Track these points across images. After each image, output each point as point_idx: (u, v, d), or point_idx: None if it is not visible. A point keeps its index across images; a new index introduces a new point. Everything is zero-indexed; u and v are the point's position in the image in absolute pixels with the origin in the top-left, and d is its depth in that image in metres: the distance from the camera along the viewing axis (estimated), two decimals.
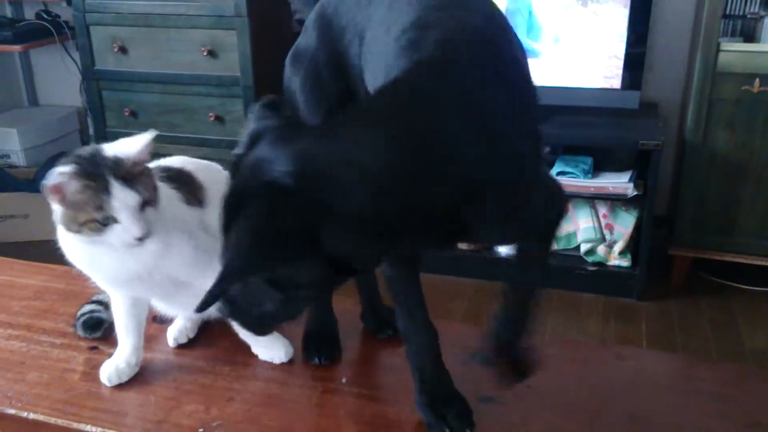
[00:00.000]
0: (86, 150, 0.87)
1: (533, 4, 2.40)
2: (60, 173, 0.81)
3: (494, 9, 0.84)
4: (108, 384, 0.95)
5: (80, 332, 1.06)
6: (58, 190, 0.82)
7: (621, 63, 2.35)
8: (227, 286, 0.67)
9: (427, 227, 0.72)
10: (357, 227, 0.66)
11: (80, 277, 0.97)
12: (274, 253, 0.65)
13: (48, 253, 0.99)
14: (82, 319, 1.05)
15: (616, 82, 2.38)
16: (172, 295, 0.98)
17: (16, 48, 2.83)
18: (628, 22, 2.30)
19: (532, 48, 2.42)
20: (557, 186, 0.89)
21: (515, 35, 0.86)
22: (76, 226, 0.84)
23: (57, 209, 0.85)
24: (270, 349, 1.02)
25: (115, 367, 0.96)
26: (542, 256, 0.91)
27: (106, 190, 0.83)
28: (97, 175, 0.83)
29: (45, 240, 0.95)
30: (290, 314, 0.77)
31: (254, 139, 0.70)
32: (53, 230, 0.89)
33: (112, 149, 0.87)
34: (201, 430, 0.87)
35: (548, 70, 2.43)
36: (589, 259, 2.45)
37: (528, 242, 0.89)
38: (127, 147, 0.87)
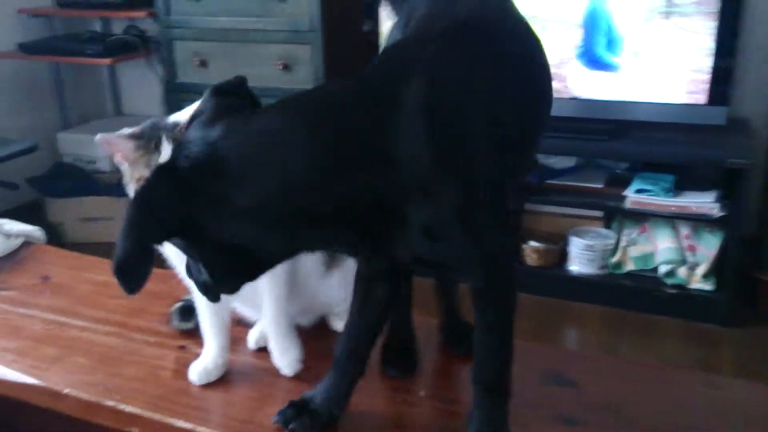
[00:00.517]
0: (151, 119, 0.94)
1: (613, 17, 2.36)
2: (117, 134, 0.89)
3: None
4: (197, 383, 0.97)
5: (174, 322, 1.09)
6: (113, 148, 0.90)
7: (706, 77, 2.26)
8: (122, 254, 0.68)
9: (339, 227, 0.71)
10: (249, 217, 0.67)
11: (168, 279, 1.00)
12: (141, 231, 0.68)
13: None
14: (178, 305, 1.09)
15: (701, 98, 2.29)
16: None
17: (106, 61, 2.98)
18: (716, 35, 2.22)
19: (611, 61, 2.37)
20: (507, 219, 0.81)
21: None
22: (133, 182, 0.90)
23: (124, 169, 0.92)
24: (281, 354, 0.99)
25: (203, 367, 0.98)
26: (498, 311, 0.80)
27: (157, 149, 0.88)
28: (152, 136, 0.89)
29: None
30: (224, 287, 0.76)
31: (190, 121, 0.73)
32: None
33: (174, 116, 0.92)
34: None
35: (628, 84, 2.38)
36: (669, 281, 2.36)
37: (465, 279, 0.80)
38: (187, 113, 0.91)
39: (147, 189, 0.69)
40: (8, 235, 1.43)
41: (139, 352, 1.05)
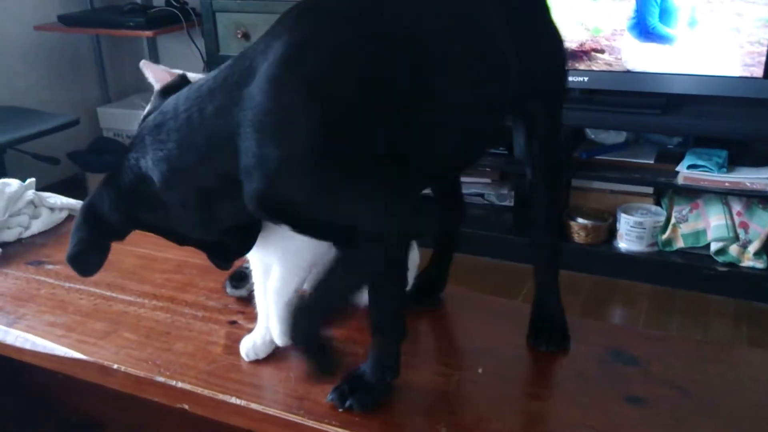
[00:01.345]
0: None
1: None
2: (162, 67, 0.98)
3: None
4: (246, 359, 0.95)
5: (228, 288, 1.09)
6: (156, 76, 0.98)
7: (763, 49, 2.16)
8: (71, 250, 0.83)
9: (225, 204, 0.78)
10: (173, 206, 0.78)
11: None
12: (84, 234, 0.83)
13: None
14: (232, 271, 1.09)
15: (758, 71, 2.19)
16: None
17: (147, 33, 2.96)
18: None
19: (665, 33, 2.28)
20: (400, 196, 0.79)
21: None
22: None
23: None
24: (278, 323, 0.95)
25: (253, 343, 0.96)
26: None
27: None
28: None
29: None
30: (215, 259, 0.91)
31: (143, 120, 0.83)
32: None
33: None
34: (341, 409, 0.85)
35: (682, 56, 2.28)
36: (720, 259, 2.29)
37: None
38: None
39: (93, 201, 0.82)
40: (52, 209, 1.43)
41: (189, 327, 1.03)
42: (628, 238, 2.39)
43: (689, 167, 2.26)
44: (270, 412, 0.85)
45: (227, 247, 0.88)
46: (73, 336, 1.02)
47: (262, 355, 0.95)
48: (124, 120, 3.06)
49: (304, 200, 0.74)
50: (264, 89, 0.71)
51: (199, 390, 0.89)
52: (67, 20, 2.96)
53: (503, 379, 0.92)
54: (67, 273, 1.21)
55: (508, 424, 0.84)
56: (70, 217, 1.45)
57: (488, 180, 2.70)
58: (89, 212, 0.82)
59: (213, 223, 0.81)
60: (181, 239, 0.85)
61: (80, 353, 0.97)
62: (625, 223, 2.39)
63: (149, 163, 0.78)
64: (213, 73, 0.78)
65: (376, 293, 0.85)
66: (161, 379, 0.91)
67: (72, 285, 1.17)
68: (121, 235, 0.84)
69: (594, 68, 2.35)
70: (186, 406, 0.90)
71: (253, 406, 0.86)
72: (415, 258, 1.05)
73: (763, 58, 2.17)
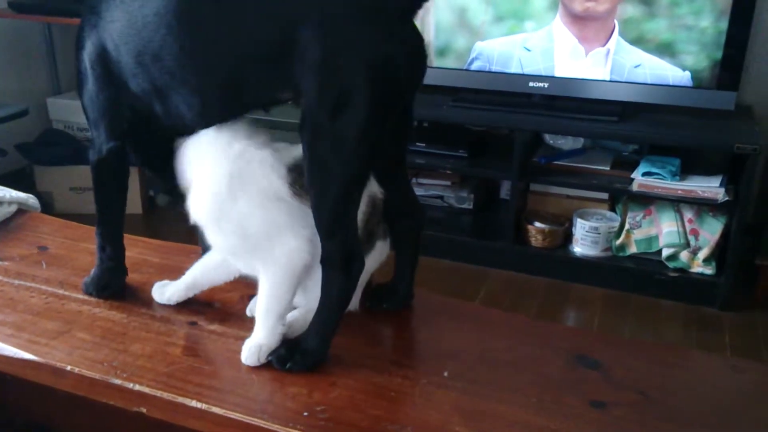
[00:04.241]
0: None
1: None
2: None
3: None
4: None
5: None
6: None
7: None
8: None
9: None
10: None
11: (177, 252, 0.95)
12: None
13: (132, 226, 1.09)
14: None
15: (710, 82, 2.26)
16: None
17: None
18: (729, 22, 2.19)
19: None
20: None
21: None
22: None
23: None
24: (251, 339, 0.94)
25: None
26: None
27: None
28: None
29: (132, 214, 0.96)
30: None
31: None
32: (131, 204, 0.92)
33: None
34: (306, 413, 0.83)
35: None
36: (671, 264, 2.35)
37: None
38: None
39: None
40: (1, 202, 1.37)
41: (146, 328, 1.00)
42: (583, 243, 2.43)
43: (644, 174, 2.31)
44: (232, 416, 0.83)
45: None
46: (23, 336, 0.97)
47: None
48: (75, 112, 2.96)
49: None
50: None
51: (157, 393, 0.86)
52: (18, 7, 2.85)
53: (469, 383, 0.92)
54: (17, 270, 1.16)
55: (474, 428, 0.84)
56: (19, 212, 1.39)
57: (448, 182, 2.71)
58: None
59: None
60: None
61: (31, 354, 0.93)
62: (580, 227, 2.43)
63: None
64: None
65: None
66: (117, 381, 0.88)
67: (22, 282, 1.12)
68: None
69: (555, 75, 2.39)
70: (144, 410, 0.87)
71: (215, 409, 0.84)
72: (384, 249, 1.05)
73: (716, 70, 2.23)
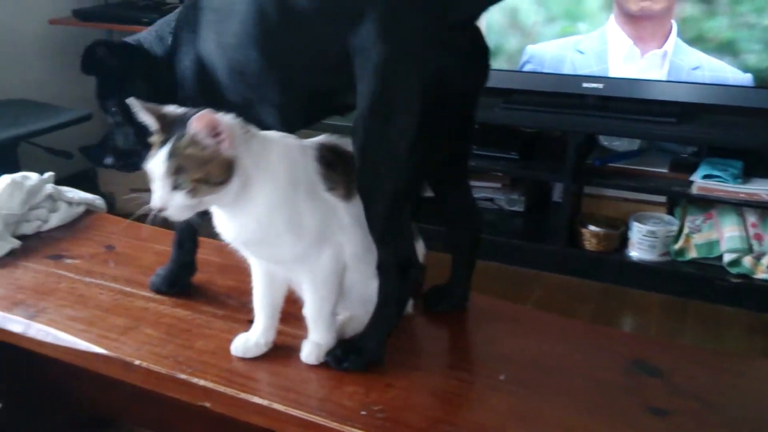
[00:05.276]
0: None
1: None
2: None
3: None
4: (233, 353, 0.95)
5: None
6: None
7: None
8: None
9: None
10: None
11: (234, 252, 0.97)
12: None
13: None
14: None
15: None
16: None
17: None
18: None
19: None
20: None
21: None
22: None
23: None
24: (308, 340, 0.96)
25: (244, 340, 0.96)
26: None
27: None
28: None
29: None
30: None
31: None
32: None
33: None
34: (363, 412, 0.85)
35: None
36: (733, 270, 2.27)
37: None
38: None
39: None
40: (70, 203, 1.43)
41: (209, 326, 1.03)
42: (640, 247, 2.38)
43: (704, 177, 2.24)
44: (292, 413, 0.85)
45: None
46: (94, 331, 1.01)
47: (250, 355, 0.95)
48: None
49: None
50: None
51: (221, 389, 0.89)
52: (82, 15, 2.96)
53: (524, 387, 0.92)
54: (87, 268, 1.21)
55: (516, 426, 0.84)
56: (87, 212, 1.45)
57: (499, 185, 2.69)
58: None
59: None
60: None
61: (102, 348, 0.97)
62: (637, 231, 2.38)
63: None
64: None
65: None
66: (183, 376, 0.91)
67: (92, 280, 1.17)
68: None
69: (610, 75, 2.35)
70: (208, 404, 0.90)
71: (276, 406, 0.86)
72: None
73: None
